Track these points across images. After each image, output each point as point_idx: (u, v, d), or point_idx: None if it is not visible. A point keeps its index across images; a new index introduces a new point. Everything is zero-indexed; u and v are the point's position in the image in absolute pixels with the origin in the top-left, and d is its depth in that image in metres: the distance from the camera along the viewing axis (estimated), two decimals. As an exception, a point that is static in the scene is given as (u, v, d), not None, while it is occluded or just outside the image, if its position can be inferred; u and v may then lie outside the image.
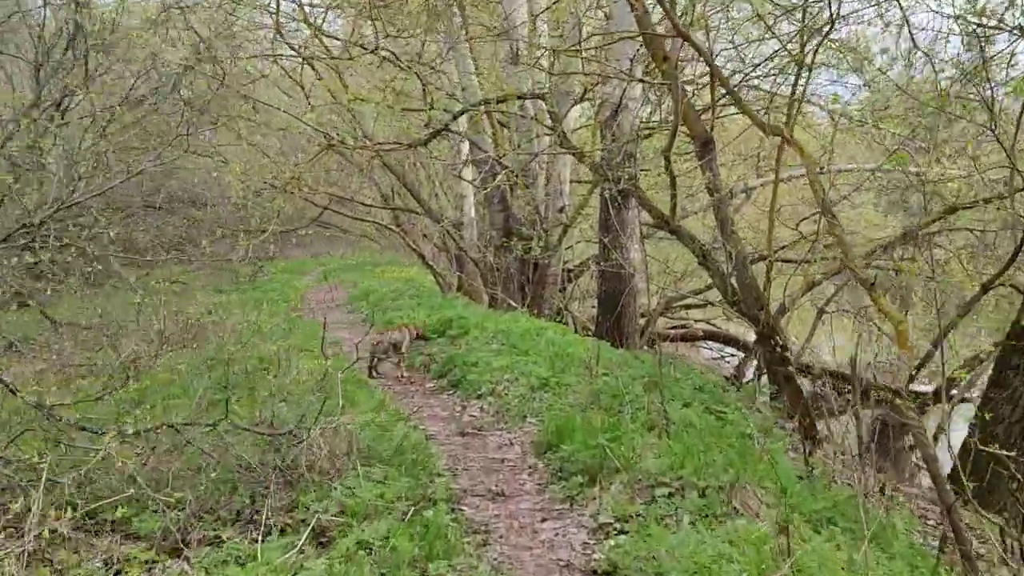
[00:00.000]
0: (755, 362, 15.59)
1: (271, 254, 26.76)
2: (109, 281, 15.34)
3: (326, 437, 6.15)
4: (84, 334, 12.43)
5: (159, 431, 5.79)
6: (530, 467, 6.83)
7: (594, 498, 5.85)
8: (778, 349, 9.76)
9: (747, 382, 14.49)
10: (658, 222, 10.23)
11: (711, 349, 24.74)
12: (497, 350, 10.97)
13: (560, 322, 16.62)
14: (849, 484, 7.67)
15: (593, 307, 19.99)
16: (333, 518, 5.05)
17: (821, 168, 17.74)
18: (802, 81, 9.50)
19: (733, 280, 10.01)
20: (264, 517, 5.09)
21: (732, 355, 24.17)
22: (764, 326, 9.81)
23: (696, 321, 23.30)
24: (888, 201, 19.83)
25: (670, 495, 5.63)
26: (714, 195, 10.19)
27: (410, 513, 5.34)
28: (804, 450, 7.71)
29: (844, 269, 13.69)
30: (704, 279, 20.83)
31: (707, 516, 5.32)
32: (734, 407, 8.74)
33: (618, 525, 5.36)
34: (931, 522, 7.62)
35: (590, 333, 18.55)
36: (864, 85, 15.39)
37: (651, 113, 17.37)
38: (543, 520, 5.69)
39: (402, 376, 11.05)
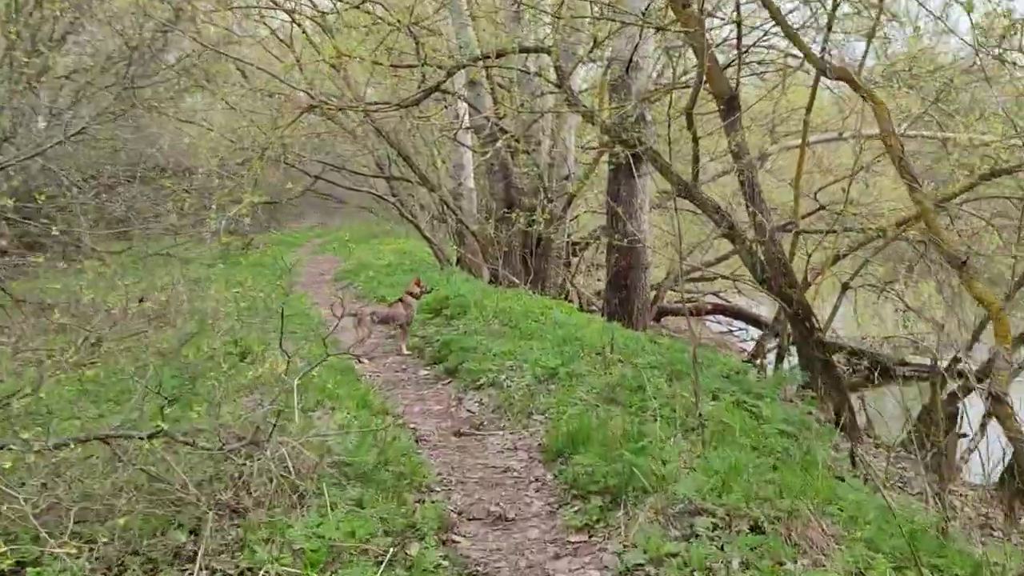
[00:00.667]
0: (775, 340, 14.36)
1: (247, 229, 25.54)
2: (79, 256, 14.11)
3: (292, 448, 4.96)
4: (49, 314, 11.22)
5: (79, 444, 4.58)
6: (537, 480, 5.63)
7: (618, 527, 4.65)
8: (814, 332, 8.55)
9: (767, 363, 13.29)
10: (678, 189, 8.98)
11: (719, 323, 23.56)
12: (498, 332, 9.77)
13: (564, 298, 15.40)
14: (919, 497, 6.51)
15: (599, 280, 18.76)
16: (287, 570, 3.84)
17: (840, 134, 16.45)
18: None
19: (761, 255, 8.78)
20: (200, 563, 3.91)
21: (740, 329, 23.03)
22: (797, 306, 8.59)
23: (704, 294, 22.09)
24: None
25: (714, 527, 4.43)
26: (740, 160, 8.95)
27: (390, 553, 4.15)
28: (852, 457, 6.51)
29: (891, 242, 12.47)
30: (715, 251, 19.63)
31: (763, 557, 4.13)
32: (768, 399, 7.53)
33: (652, 570, 4.17)
34: None
35: (595, 309, 17.35)
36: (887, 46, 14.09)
37: (660, 75, 16.06)
38: (556, 557, 4.50)
39: (403, 351, 9.97)
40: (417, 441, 6.55)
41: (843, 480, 5.92)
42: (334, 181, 21.29)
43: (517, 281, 13.62)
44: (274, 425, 4.74)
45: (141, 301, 8.83)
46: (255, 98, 17.47)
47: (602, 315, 13.50)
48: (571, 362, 7.89)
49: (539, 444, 6.27)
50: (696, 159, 8.80)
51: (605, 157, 15.79)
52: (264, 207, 26.77)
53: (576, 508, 4.99)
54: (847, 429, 7.92)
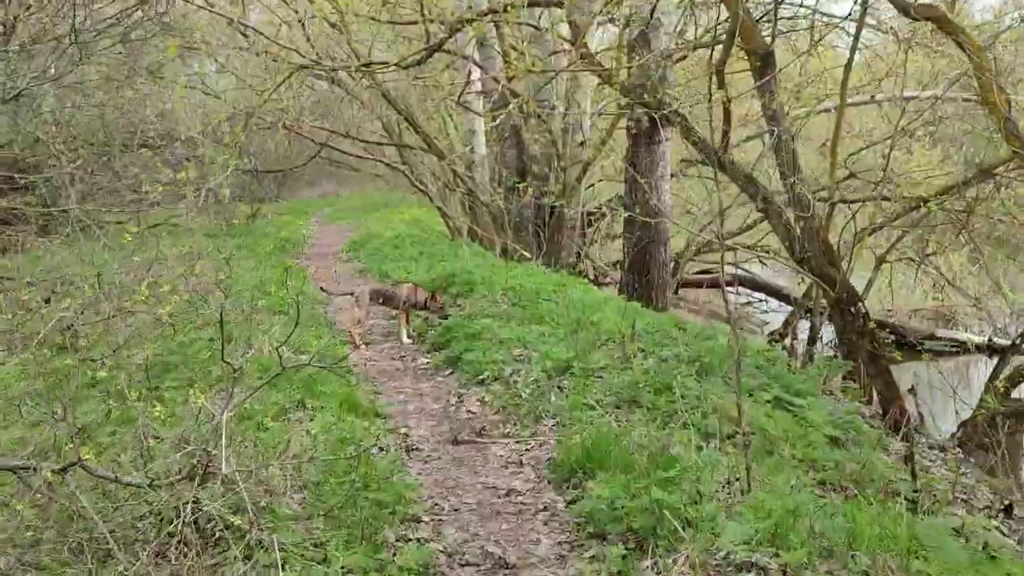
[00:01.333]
0: (804, 317, 13.22)
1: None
2: (67, 229, 13.10)
3: (250, 475, 3.97)
4: (28, 292, 10.28)
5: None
6: (547, 509, 4.61)
7: (646, 585, 3.64)
8: (859, 319, 7.47)
9: (797, 343, 12.17)
10: (705, 157, 7.86)
11: (737, 294, 22.42)
12: (507, 314, 8.74)
13: (579, 272, 14.34)
14: (987, 514, 5.46)
15: (616, 250, 17.65)
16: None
17: (873, 97, 15.17)
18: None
19: (799, 231, 7.68)
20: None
21: (760, 300, 21.89)
22: (841, 289, 7.50)
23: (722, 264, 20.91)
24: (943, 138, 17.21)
25: (770, 593, 3.41)
26: (776, 124, 7.83)
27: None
28: (912, 470, 5.45)
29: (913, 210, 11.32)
30: (736, 220, 18.47)
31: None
32: (809, 396, 6.48)
33: (691, 655, 3.16)
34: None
35: (611, 282, 16.27)
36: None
37: (682, 33, 14.82)
38: (567, 626, 3.50)
39: (404, 340, 8.90)
40: (408, 451, 5.55)
41: (911, 503, 4.87)
42: (342, 149, 20.17)
43: (528, 255, 12.55)
44: (215, 455, 3.73)
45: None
46: (259, 63, 16.40)
47: (620, 292, 12.45)
48: (586, 353, 6.84)
49: (549, 458, 5.25)
50: (727, 123, 7.67)
51: (622, 123, 14.65)
52: (273, 175, 25.79)
53: (593, 553, 3.97)
54: (899, 428, 6.86)
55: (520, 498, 4.76)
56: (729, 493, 4.25)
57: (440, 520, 4.48)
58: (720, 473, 4.47)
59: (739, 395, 4.67)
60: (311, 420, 5.83)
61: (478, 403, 6.40)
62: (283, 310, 9.34)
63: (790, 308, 19.53)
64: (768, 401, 6.23)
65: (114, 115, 13.63)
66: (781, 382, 6.75)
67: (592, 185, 16.10)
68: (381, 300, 9.21)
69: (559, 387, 6.30)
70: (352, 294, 9.21)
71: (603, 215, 16.08)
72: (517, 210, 13.28)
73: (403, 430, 5.94)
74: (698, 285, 19.31)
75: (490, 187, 16.05)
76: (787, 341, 12.35)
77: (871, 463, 5.34)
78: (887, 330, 16.70)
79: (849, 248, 11.31)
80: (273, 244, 16.34)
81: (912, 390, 8.48)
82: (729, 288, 20.25)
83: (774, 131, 7.88)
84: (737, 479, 4.45)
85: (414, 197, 25.19)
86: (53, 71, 14.37)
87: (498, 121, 13.05)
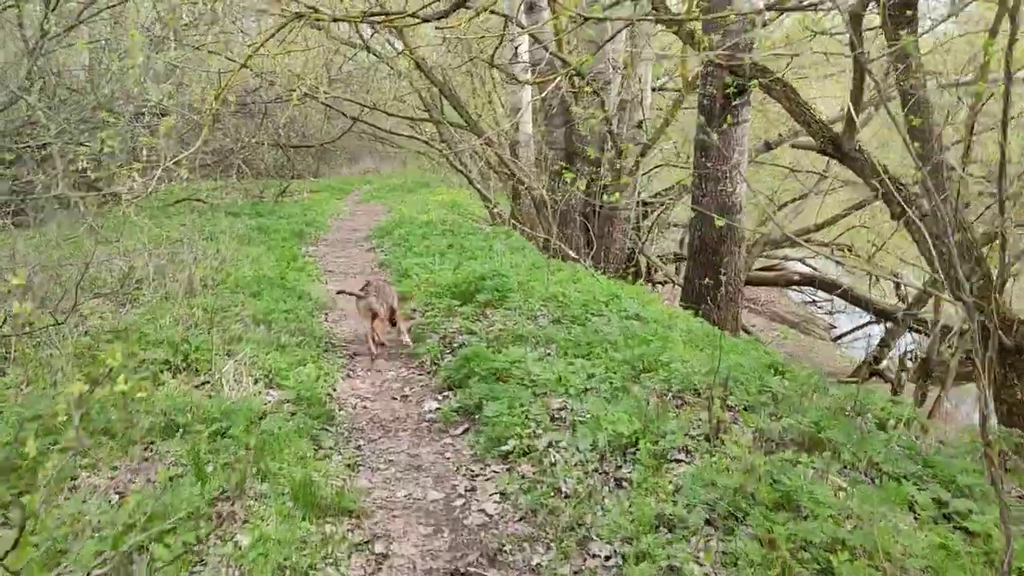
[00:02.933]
0: (899, 338, 10.77)
1: (296, 170, 22.43)
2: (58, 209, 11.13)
3: None
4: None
5: None
6: None
7: None
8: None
9: (904, 379, 9.72)
10: (822, 144, 5.54)
11: (801, 292, 19.92)
12: (546, 336, 6.53)
13: (632, 272, 12.05)
14: None
15: (673, 240, 15.21)
16: None
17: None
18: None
19: (953, 247, 5.30)
20: None
21: (825, 300, 19.38)
22: (1006, 326, 5.17)
23: (786, 260, 18.50)
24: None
25: None
26: (913, 98, 5.50)
27: None
28: None
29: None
30: (804, 216, 15.97)
31: None
32: (978, 497, 4.18)
33: None
34: None
35: (668, 281, 13.92)
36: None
37: None
38: None
39: (406, 341, 7.10)
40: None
41: None
42: (376, 124, 17.97)
43: (572, 254, 10.28)
44: None
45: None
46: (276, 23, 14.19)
47: (682, 299, 10.17)
48: (657, 421, 4.60)
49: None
50: (858, 94, 5.32)
51: (689, 101, 12.29)
52: (312, 151, 23.76)
53: None
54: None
55: None
56: None
57: None
58: None
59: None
60: (244, 523, 3.73)
61: (497, 498, 4.20)
62: (271, 317, 7.25)
63: (858, 309, 17.07)
64: (930, 514, 3.96)
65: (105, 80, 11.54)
66: (933, 469, 4.46)
67: (649, 171, 13.70)
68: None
69: (618, 484, 4.08)
70: (364, 289, 7.14)
71: (661, 205, 13.69)
72: (564, 198, 11.00)
73: (379, 546, 3.77)
74: (763, 283, 16.86)
75: (535, 171, 13.84)
76: (888, 368, 9.84)
77: None
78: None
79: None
80: (294, 226, 14.24)
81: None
82: (797, 287, 17.79)
83: (909, 106, 5.53)
84: None
85: (456, 178, 23.02)
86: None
87: (545, 93, 10.79)
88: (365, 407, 5.66)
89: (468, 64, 16.93)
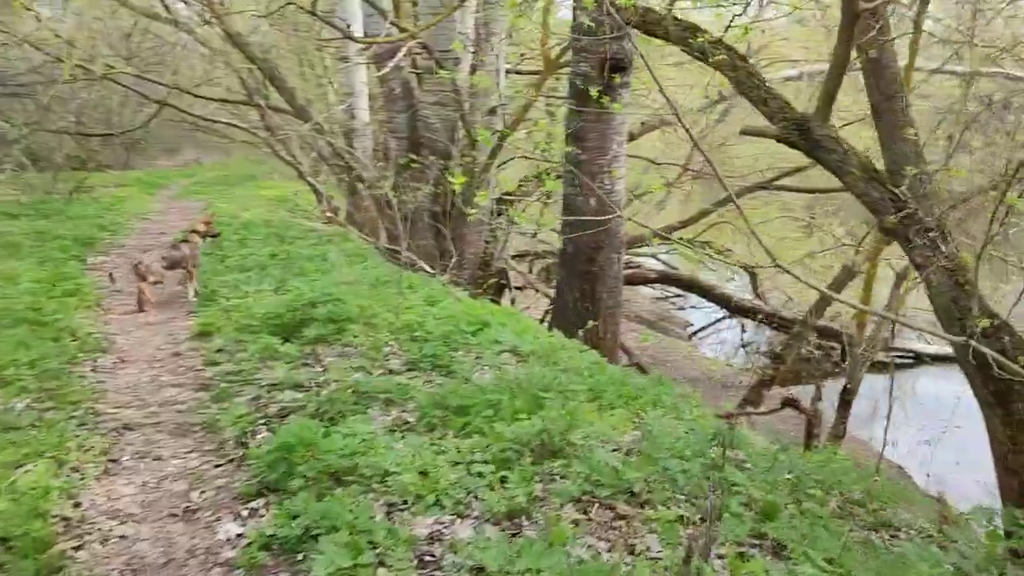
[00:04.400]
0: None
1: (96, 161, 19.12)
2: None
3: None
4: None
5: None
6: None
7: None
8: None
9: (819, 410, 8.26)
10: (783, 129, 3.86)
11: (653, 288, 18.77)
12: (401, 395, 4.61)
13: (496, 285, 10.25)
14: None
15: (541, 241, 13.48)
16: None
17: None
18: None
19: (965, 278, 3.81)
20: None
21: (678, 295, 18.33)
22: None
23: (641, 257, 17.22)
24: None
25: None
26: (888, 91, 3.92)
27: None
28: None
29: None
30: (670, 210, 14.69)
31: None
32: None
33: None
34: None
35: (523, 286, 12.19)
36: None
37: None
38: None
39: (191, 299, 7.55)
40: None
41: None
42: (189, 111, 15.21)
43: (426, 267, 8.31)
44: None
45: None
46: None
47: (552, 316, 8.48)
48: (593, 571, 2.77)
49: None
50: (843, 59, 3.65)
51: (554, 84, 10.63)
52: (114, 139, 20.46)
53: None
54: None
55: None
56: None
57: None
58: None
59: None
60: None
61: None
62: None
63: (712, 304, 16.09)
64: None
65: None
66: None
67: (503, 164, 11.88)
68: (168, 266, 7.79)
69: None
70: (138, 264, 7.56)
71: (518, 202, 11.91)
72: (412, 198, 9.02)
73: None
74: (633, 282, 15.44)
75: (373, 162, 11.78)
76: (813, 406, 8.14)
77: None
78: (833, 338, 13.40)
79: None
80: (84, 231, 11.49)
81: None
82: (651, 284, 16.58)
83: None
84: None
85: (288, 170, 20.44)
86: None
87: (383, 72, 8.78)
88: (123, 537, 3.51)
89: (295, 40, 14.65)
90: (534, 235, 14.16)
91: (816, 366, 13.53)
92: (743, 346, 16.17)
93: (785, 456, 3.81)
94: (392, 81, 10.27)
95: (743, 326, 16.21)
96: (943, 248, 3.42)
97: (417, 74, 10.64)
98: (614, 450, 3.83)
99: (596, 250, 7.89)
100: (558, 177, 11.25)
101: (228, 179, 21.21)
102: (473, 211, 9.78)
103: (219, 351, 5.85)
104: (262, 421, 4.55)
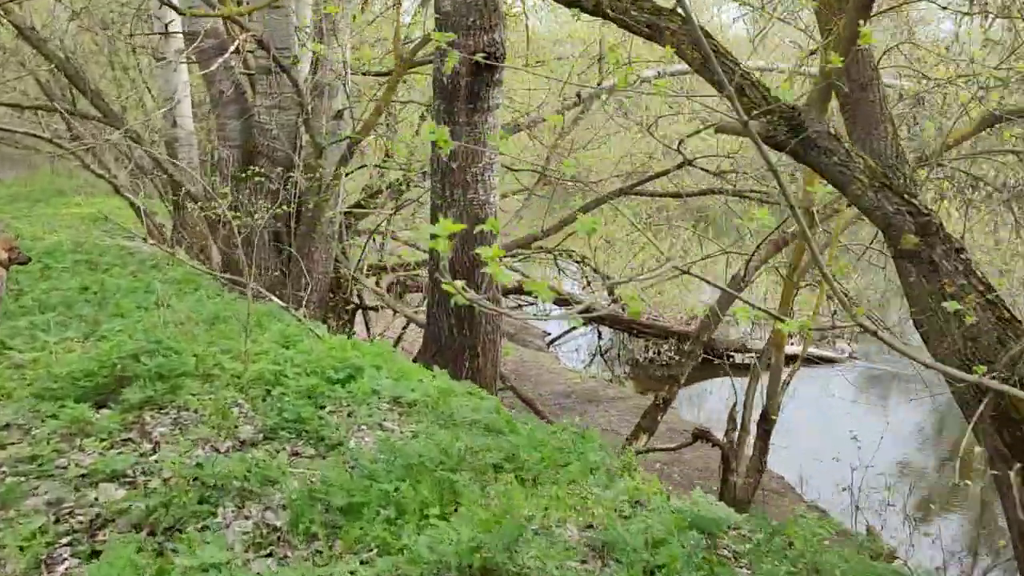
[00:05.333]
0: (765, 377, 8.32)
1: None
2: None
3: None
4: None
5: None
6: None
7: None
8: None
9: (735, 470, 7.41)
10: (766, 125, 2.99)
11: (507, 298, 17.92)
12: (262, 483, 3.41)
13: (352, 309, 9.02)
14: None
15: (400, 257, 12.09)
16: None
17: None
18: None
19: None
20: None
21: (528, 303, 17.57)
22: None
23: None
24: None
25: None
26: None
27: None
28: None
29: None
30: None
31: None
32: None
33: None
34: None
35: (379, 307, 10.95)
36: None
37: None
38: None
39: None
40: None
41: None
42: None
43: (275, 299, 6.95)
44: None
45: None
46: None
47: (423, 351, 7.37)
48: None
49: None
50: (851, 37, 2.75)
51: (418, 81, 9.53)
52: None
53: None
54: None
55: None
56: None
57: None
58: None
59: None
60: None
61: None
62: None
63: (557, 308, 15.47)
64: None
65: None
66: None
67: (350, 174, 10.58)
68: None
69: None
70: None
71: (374, 214, 10.62)
72: (254, 216, 7.64)
73: None
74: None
75: (202, 175, 10.24)
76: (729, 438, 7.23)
77: None
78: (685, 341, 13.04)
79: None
80: None
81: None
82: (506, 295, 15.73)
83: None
84: None
85: (103, 185, 18.08)
86: None
87: (210, 70, 7.38)
88: None
89: (104, 38, 12.78)
90: (381, 247, 12.91)
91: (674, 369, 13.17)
92: (601, 353, 15.71)
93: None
94: (221, 83, 8.84)
95: (599, 332, 15.76)
96: (978, 274, 2.66)
97: (250, 76, 9.25)
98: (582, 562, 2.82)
99: (472, 268, 6.85)
100: (416, 186, 10.17)
101: (31, 195, 18.56)
102: (322, 227, 8.55)
103: (5, 428, 4.36)
104: (65, 541, 3.21)
